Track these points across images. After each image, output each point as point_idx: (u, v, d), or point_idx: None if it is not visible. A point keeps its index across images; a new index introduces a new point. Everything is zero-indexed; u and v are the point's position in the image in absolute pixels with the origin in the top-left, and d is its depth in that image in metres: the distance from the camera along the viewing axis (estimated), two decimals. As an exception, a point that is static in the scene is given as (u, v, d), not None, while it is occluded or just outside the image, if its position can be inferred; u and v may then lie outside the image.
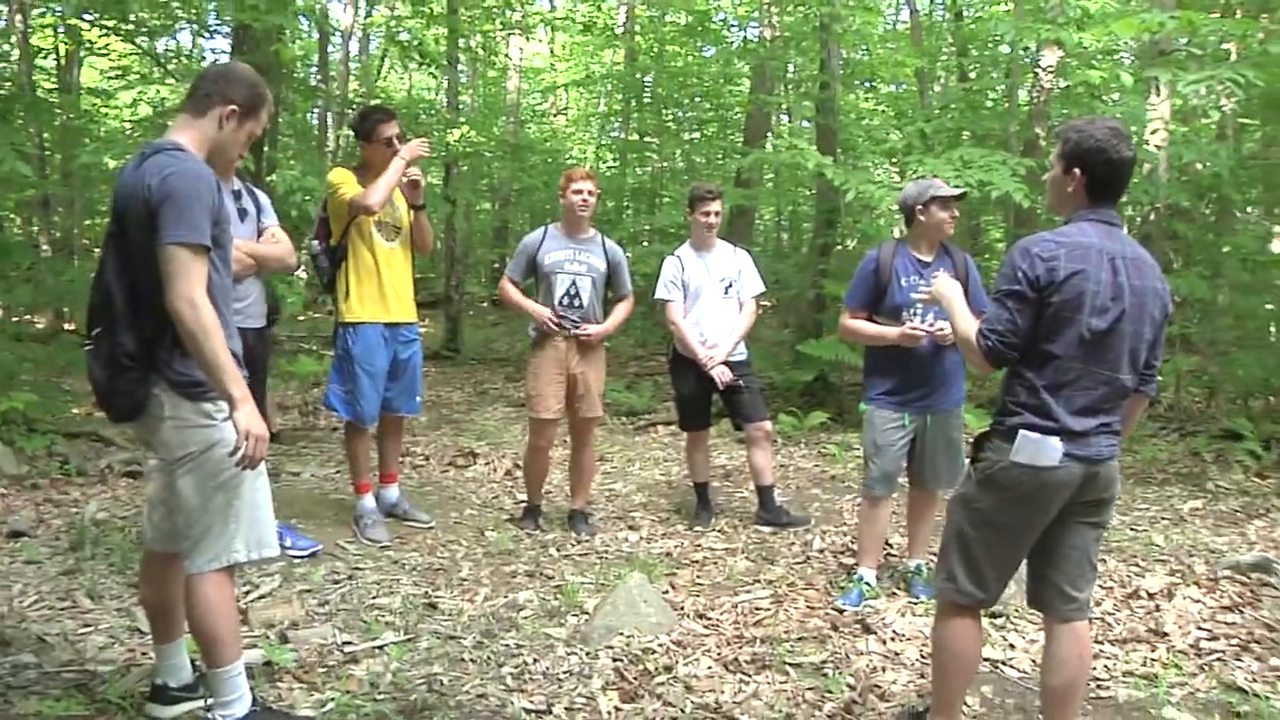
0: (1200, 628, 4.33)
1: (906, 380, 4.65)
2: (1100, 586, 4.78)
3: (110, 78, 13.41)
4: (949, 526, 3.14)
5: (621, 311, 5.76)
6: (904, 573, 4.86)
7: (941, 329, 4.40)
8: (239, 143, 3.05)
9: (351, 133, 5.37)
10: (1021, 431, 2.89)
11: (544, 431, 5.61)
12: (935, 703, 3.18)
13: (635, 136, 18.01)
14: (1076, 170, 2.94)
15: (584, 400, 5.55)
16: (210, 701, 3.01)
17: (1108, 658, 4.01)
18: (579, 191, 5.46)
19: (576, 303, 5.48)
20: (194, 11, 9.92)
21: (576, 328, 5.44)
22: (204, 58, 13.93)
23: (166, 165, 2.77)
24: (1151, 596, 4.68)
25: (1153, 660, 4.00)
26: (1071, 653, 3.04)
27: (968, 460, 3.14)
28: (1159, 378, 3.11)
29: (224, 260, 2.93)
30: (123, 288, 2.85)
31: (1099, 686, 3.75)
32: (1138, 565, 5.15)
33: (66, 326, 11.79)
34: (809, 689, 3.68)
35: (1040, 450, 2.86)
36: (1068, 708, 3.07)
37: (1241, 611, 4.53)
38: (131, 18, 9.51)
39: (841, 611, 4.53)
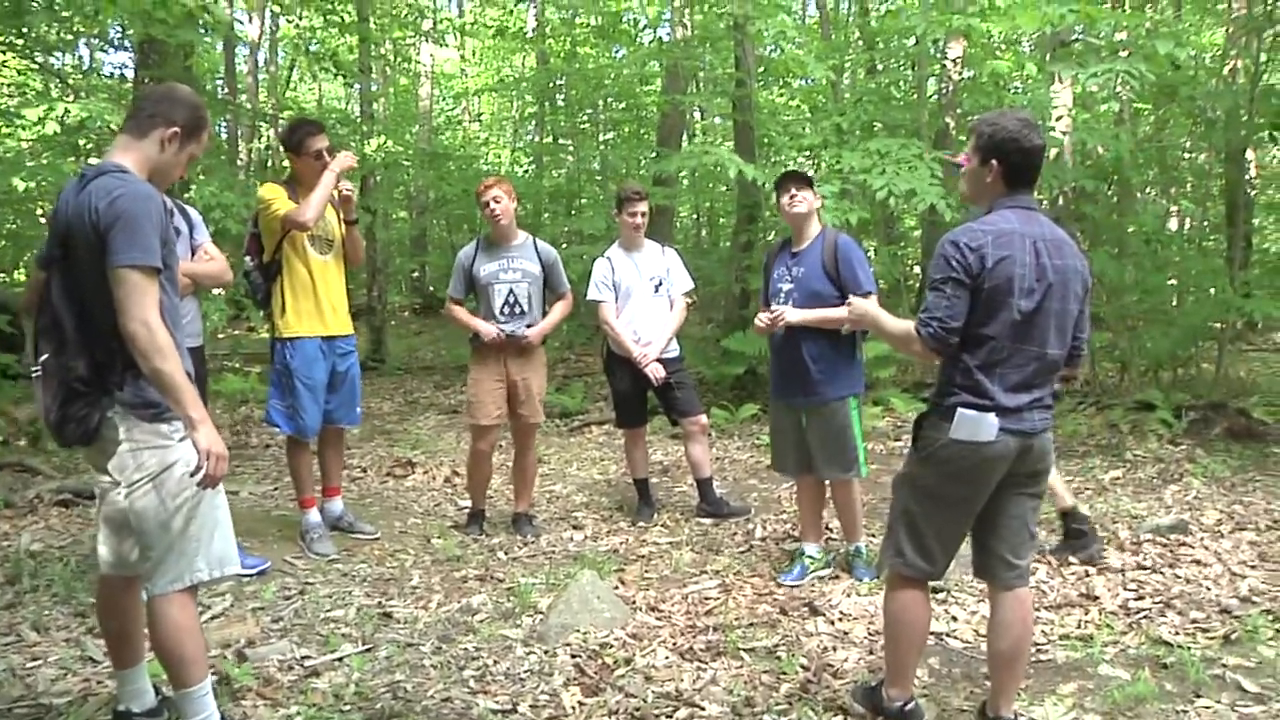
0: (1127, 589, 4.57)
1: (774, 372, 5.01)
2: (1034, 556, 4.98)
3: (4, 96, 13.02)
4: (894, 505, 3.27)
5: (559, 309, 5.80)
6: (846, 555, 5.00)
7: (776, 313, 4.70)
8: (180, 164, 3.05)
9: (267, 146, 5.34)
10: (959, 410, 3.02)
11: (484, 437, 5.65)
12: (889, 674, 3.32)
13: (551, 139, 18.04)
14: (993, 161, 3.08)
15: (525, 405, 5.60)
16: (178, 723, 3.01)
17: (1044, 623, 4.20)
18: (490, 200, 5.49)
19: (518, 310, 5.52)
20: (95, 26, 9.69)
21: (519, 333, 5.49)
22: (107, 74, 13.61)
23: (114, 188, 2.76)
24: (1082, 563, 4.90)
25: (1086, 622, 4.21)
26: (1015, 617, 3.19)
27: (911, 440, 3.27)
28: (1084, 351, 3.27)
29: (171, 281, 2.93)
30: (71, 312, 2.83)
31: (1038, 650, 3.93)
32: (1066, 535, 5.37)
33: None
34: (764, 672, 3.79)
35: (978, 426, 2.99)
36: (1014, 669, 3.22)
37: (1163, 572, 4.79)
38: (29, 32, 9.25)
39: (782, 586, 4.73)
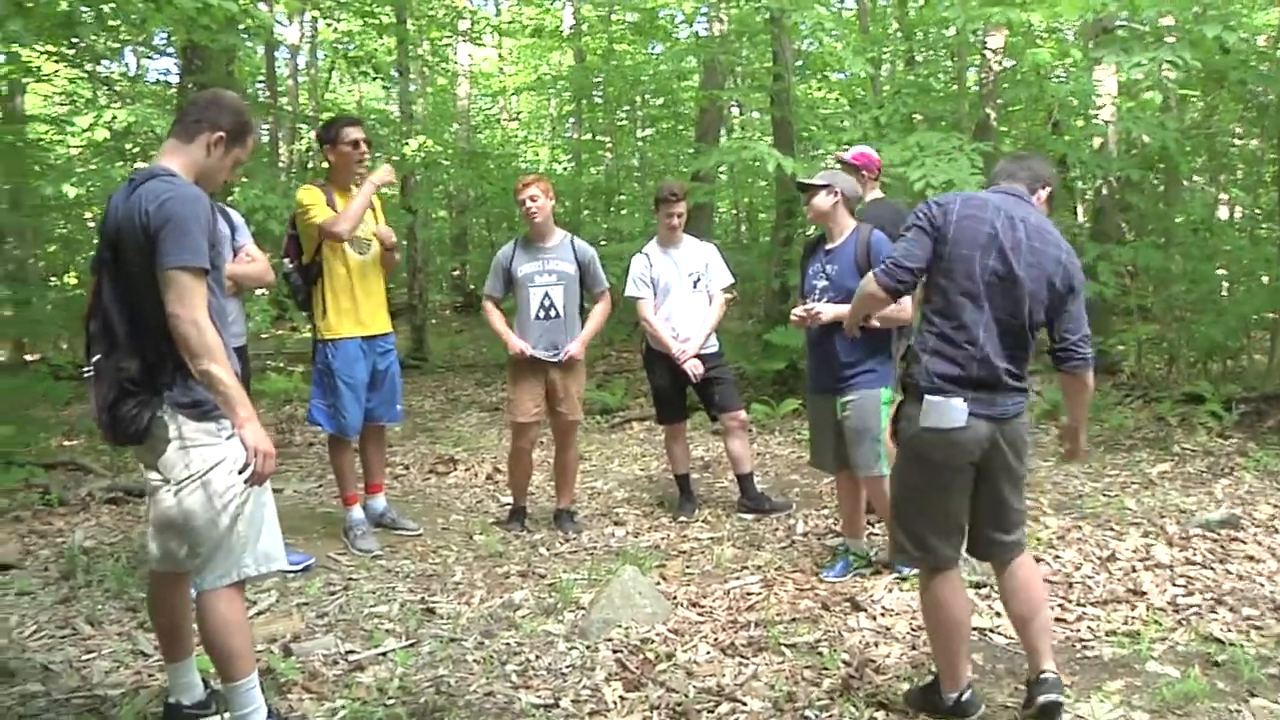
0: (1175, 584, 4.50)
1: (810, 366, 5.02)
2: (1078, 551, 4.94)
3: (56, 104, 13.28)
4: (891, 502, 3.39)
5: (598, 314, 5.76)
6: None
7: (810, 309, 4.71)
8: (225, 168, 3.10)
9: (308, 148, 5.41)
10: (927, 397, 3.11)
11: (524, 434, 5.67)
12: (941, 672, 3.32)
13: (589, 137, 18.06)
14: None
15: (564, 403, 5.62)
16: (226, 716, 3.06)
17: (1090, 619, 4.16)
18: (527, 199, 5.51)
19: (553, 313, 5.53)
20: (140, 34, 9.84)
21: (554, 358, 5.52)
22: (152, 80, 13.83)
23: (163, 191, 2.81)
24: (1128, 559, 4.84)
25: (1133, 619, 4.15)
26: (1020, 582, 3.30)
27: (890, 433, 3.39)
28: (1082, 353, 3.22)
29: (218, 282, 2.98)
30: (122, 313, 2.89)
31: (1084, 647, 3.89)
32: (1112, 529, 5.31)
33: (28, 357, 11.66)
34: (806, 667, 3.78)
35: (946, 413, 3.08)
36: (1037, 628, 3.28)
37: (1213, 567, 4.71)
38: (78, 42, 9.41)
39: (824, 582, 4.72)
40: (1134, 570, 4.70)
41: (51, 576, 4.82)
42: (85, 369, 2.97)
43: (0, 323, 10.09)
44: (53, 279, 13.01)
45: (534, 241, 5.63)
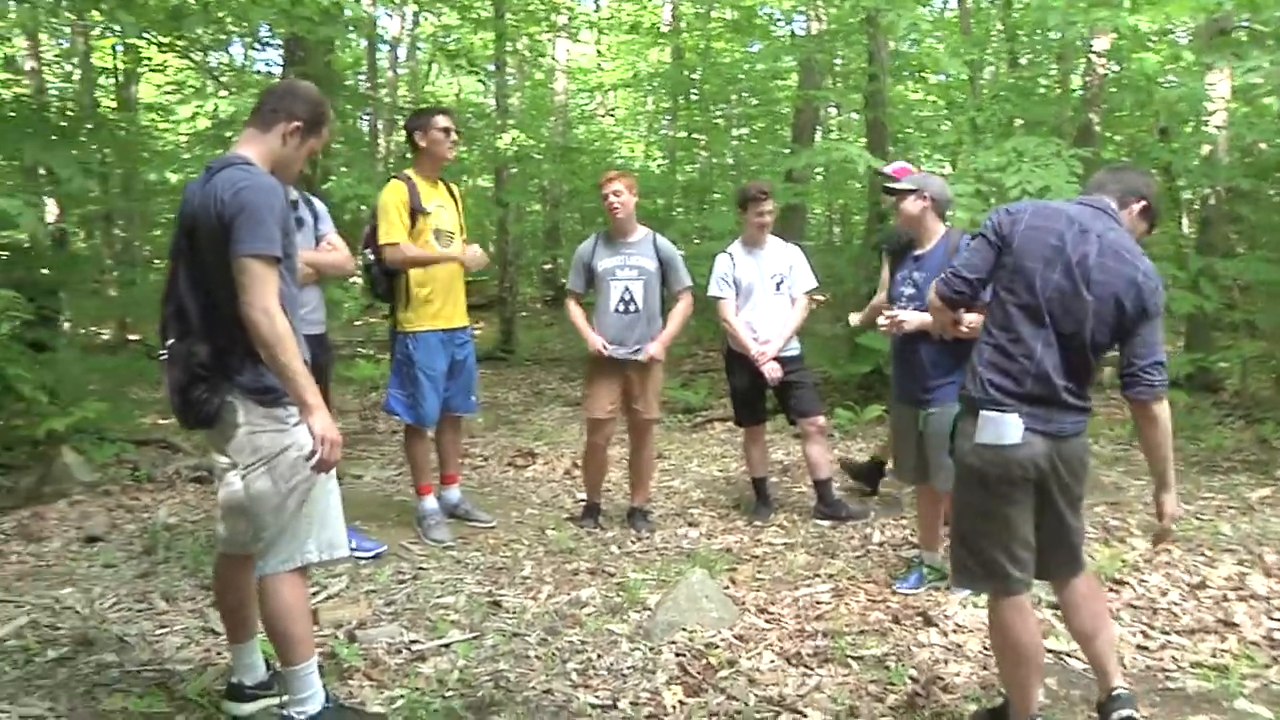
0: (1272, 618, 4.26)
1: (895, 373, 4.92)
2: (1165, 576, 4.73)
3: (166, 93, 13.72)
4: (953, 525, 3.27)
5: (679, 314, 5.71)
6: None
7: (894, 316, 4.60)
8: (301, 158, 3.14)
9: (406, 140, 5.44)
10: (982, 412, 3.03)
11: (599, 430, 5.66)
12: (1010, 698, 3.20)
13: (684, 134, 18.02)
14: None
15: (641, 401, 5.58)
16: (285, 699, 3.09)
17: (1175, 649, 3.97)
18: (610, 194, 5.49)
19: (632, 308, 5.51)
20: (246, 26, 10.10)
21: (633, 355, 5.50)
22: (257, 70, 14.18)
23: (238, 180, 2.85)
24: (1220, 587, 4.61)
25: (1222, 651, 3.94)
26: (1080, 595, 3.21)
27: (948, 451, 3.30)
28: (1150, 381, 3.00)
29: (291, 270, 3.01)
30: (196, 299, 2.94)
31: (1167, 678, 3.72)
32: (1204, 555, 5.07)
33: (131, 337, 12.08)
34: (871, 681, 3.69)
35: (1002, 429, 2.99)
36: (1101, 644, 3.20)
37: (1314, 601, 4.46)
38: (186, 34, 9.71)
39: (896, 594, 4.61)
40: (1225, 600, 4.47)
41: (134, 550, 4.97)
42: (161, 353, 3.03)
43: (107, 303, 10.48)
44: (156, 261, 13.44)
45: (616, 237, 5.61)
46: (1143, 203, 3.21)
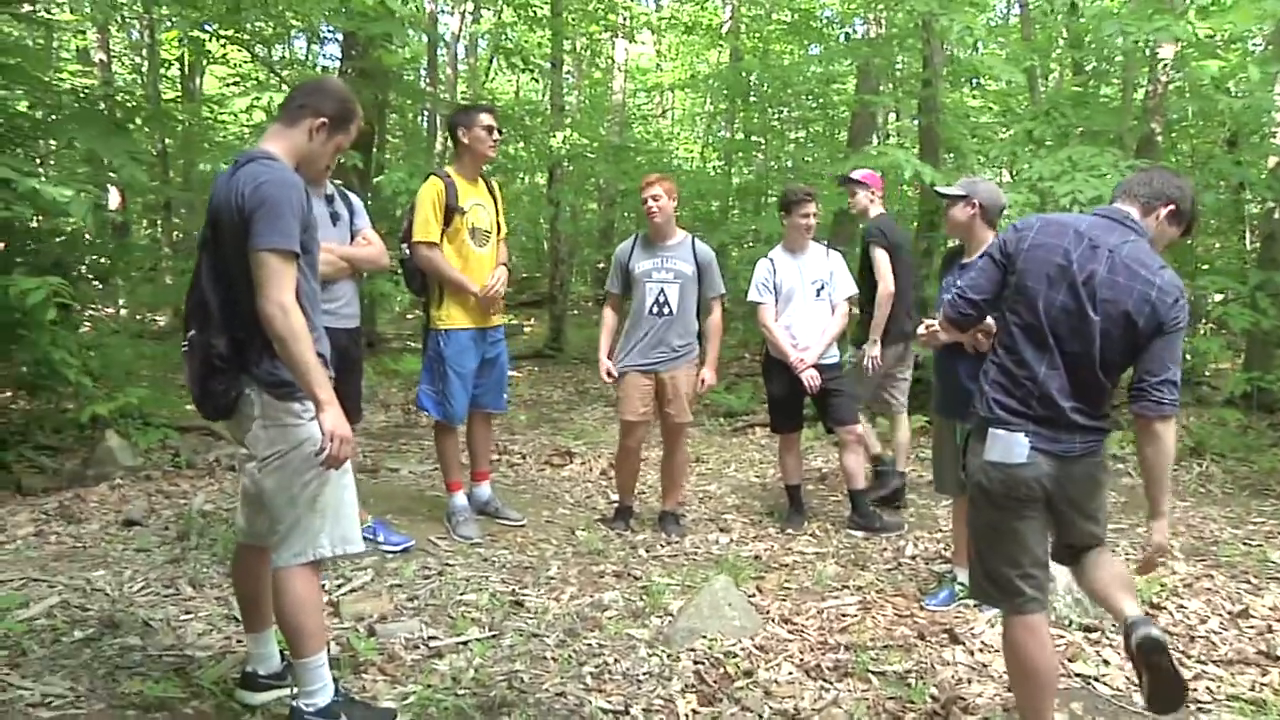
0: (1317, 651, 4.11)
1: (936, 386, 4.83)
2: (1205, 603, 4.59)
3: (228, 85, 13.96)
4: (968, 544, 3.28)
5: (715, 330, 5.68)
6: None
7: (930, 326, 4.42)
8: (327, 154, 3.15)
9: (448, 130, 5.46)
10: (990, 430, 3.01)
11: (631, 432, 5.64)
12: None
13: (741, 136, 17.93)
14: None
15: (673, 405, 5.55)
16: (296, 690, 3.11)
17: (1211, 679, 3.84)
18: (649, 199, 5.47)
19: (666, 310, 5.48)
20: (306, 20, 10.24)
21: (656, 367, 5.52)
22: (316, 64, 14.37)
23: (259, 174, 2.87)
24: (1264, 616, 4.46)
25: (1262, 685, 3.80)
26: (1095, 562, 3.13)
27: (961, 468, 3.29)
28: (1159, 398, 2.90)
29: (311, 265, 3.02)
30: (216, 292, 2.97)
31: (1200, 709, 3.60)
32: (1249, 582, 4.92)
33: (185, 325, 12.28)
34: (890, 698, 3.62)
35: (1009, 447, 2.97)
36: (1111, 595, 3.07)
37: (1364, 634, 4.29)
38: (248, 27, 9.88)
39: (925, 610, 4.53)
40: (1269, 630, 4.31)
41: (169, 536, 5.04)
42: (183, 344, 3.06)
43: (162, 290, 10.66)
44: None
45: (654, 240, 5.58)
46: (1170, 206, 3.07)
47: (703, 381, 5.57)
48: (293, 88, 3.20)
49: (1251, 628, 4.36)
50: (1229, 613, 4.50)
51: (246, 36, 10.38)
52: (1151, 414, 2.92)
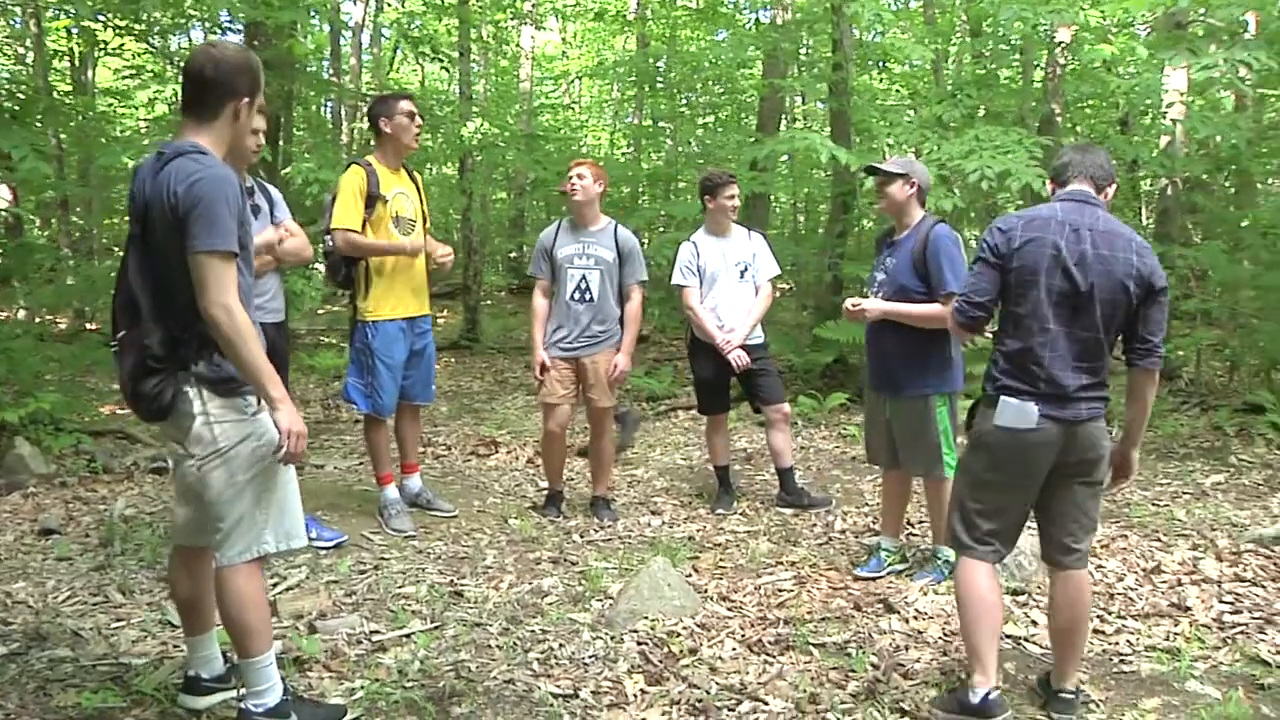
0: (1223, 601, 4.33)
1: (867, 361, 4.98)
2: (1122, 562, 4.80)
3: (124, 78, 13.50)
4: (953, 490, 3.48)
5: (634, 316, 5.66)
6: (928, 555, 4.86)
7: (857, 304, 4.67)
8: (249, 128, 3.09)
9: (369, 126, 5.38)
10: (1002, 397, 3.21)
11: (552, 416, 5.65)
12: (971, 661, 3.30)
13: (649, 122, 17.98)
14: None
15: (595, 389, 5.58)
16: (242, 691, 3.06)
17: (1130, 632, 4.03)
18: (574, 177, 5.49)
19: (588, 297, 5.50)
20: (206, 10, 9.96)
21: (577, 354, 5.54)
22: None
23: (192, 171, 2.78)
24: (1174, 571, 4.68)
25: (1175, 634, 4.01)
26: (1070, 597, 3.33)
27: (965, 427, 3.46)
28: (1161, 352, 3.28)
29: (247, 261, 2.95)
30: (146, 289, 2.88)
31: (1121, 661, 3.77)
32: (1159, 540, 5.15)
33: (88, 326, 11.90)
34: (833, 668, 3.71)
35: (1020, 414, 3.16)
36: (1072, 645, 3.35)
37: (1264, 585, 4.53)
38: (144, 17, 9.56)
39: (858, 580, 4.66)
40: (1179, 584, 4.54)
41: (90, 543, 4.90)
42: (113, 344, 2.98)
43: (63, 290, 10.31)
44: (115, 249, 13.24)
45: (578, 224, 5.59)
46: (1115, 185, 3.39)
47: (616, 366, 5.55)
48: (193, 75, 2.93)
49: (1164, 582, 4.57)
50: (1143, 570, 4.72)
51: (142, 27, 10.07)
52: (1156, 366, 3.28)
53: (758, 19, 13.72)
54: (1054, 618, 3.38)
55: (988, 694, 3.21)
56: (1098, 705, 3.40)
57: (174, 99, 9.78)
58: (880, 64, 11.83)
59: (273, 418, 2.85)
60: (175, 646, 3.70)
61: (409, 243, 5.14)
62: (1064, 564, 3.33)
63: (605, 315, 5.56)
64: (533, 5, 15.42)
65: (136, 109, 12.03)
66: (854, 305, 4.68)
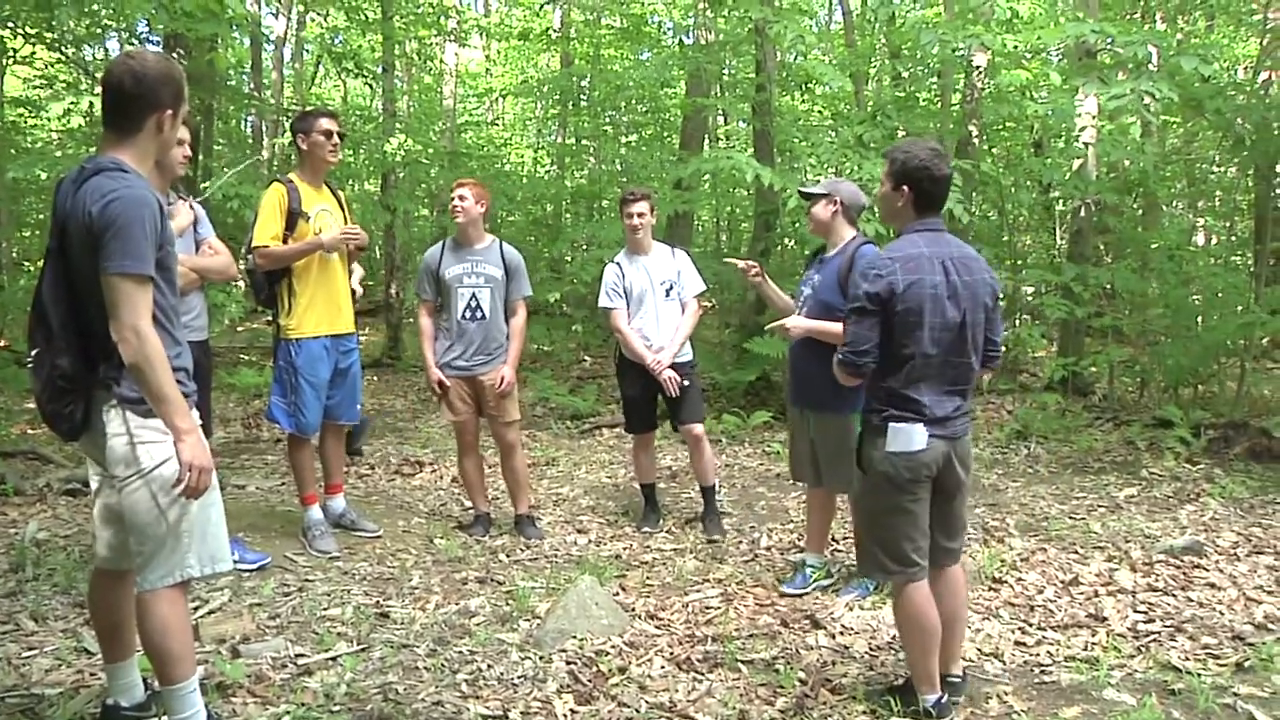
0: (1137, 611, 4.48)
1: (789, 378, 5.08)
2: (1041, 574, 4.93)
3: (35, 87, 13.12)
4: (858, 521, 3.57)
5: (518, 332, 5.67)
6: (852, 569, 4.93)
7: (782, 324, 4.73)
8: (173, 140, 3.03)
9: (290, 142, 5.33)
10: (890, 425, 3.31)
11: (459, 434, 5.72)
12: (918, 679, 3.43)
13: (573, 141, 18.00)
14: (905, 187, 3.35)
15: (496, 406, 5.59)
16: (165, 719, 2.98)
17: (1050, 644, 4.13)
18: (456, 198, 5.51)
19: (479, 314, 5.52)
20: (123, 20, 9.74)
21: (474, 373, 5.56)
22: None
23: (108, 190, 2.70)
24: (1091, 583, 4.82)
25: (1093, 644, 4.13)
26: (950, 590, 3.53)
27: (855, 462, 3.54)
28: (1000, 351, 3.64)
29: (169, 282, 2.88)
30: (58, 306, 2.80)
31: (1042, 672, 3.86)
32: (1077, 553, 5.30)
33: (-1, 343, 11.51)
34: (761, 685, 3.74)
35: (910, 437, 3.29)
36: (953, 632, 3.54)
37: (1175, 594, 4.69)
38: (58, 26, 9.32)
39: (784, 596, 4.70)
40: (1096, 595, 4.68)
41: (0, 569, 4.72)
42: (28, 360, 2.89)
43: (-32, 307, 9.98)
44: (25, 264, 12.85)
45: (462, 244, 5.59)
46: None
47: (502, 379, 5.54)
48: (109, 86, 2.84)
49: (1082, 594, 4.71)
50: (1061, 582, 4.85)
51: (54, 35, 9.80)
52: (998, 365, 3.71)
53: (681, 41, 13.83)
54: (941, 607, 3.48)
55: (940, 698, 3.41)
56: (1020, 715, 3.48)
57: (90, 111, 9.51)
58: (803, 85, 12.00)
59: (176, 448, 2.77)
60: (92, 675, 3.59)
61: (325, 238, 5.06)
62: (944, 563, 3.50)
63: (497, 332, 5.58)
64: (457, 22, 15.33)
65: (49, 120, 11.67)
66: (778, 324, 4.74)
